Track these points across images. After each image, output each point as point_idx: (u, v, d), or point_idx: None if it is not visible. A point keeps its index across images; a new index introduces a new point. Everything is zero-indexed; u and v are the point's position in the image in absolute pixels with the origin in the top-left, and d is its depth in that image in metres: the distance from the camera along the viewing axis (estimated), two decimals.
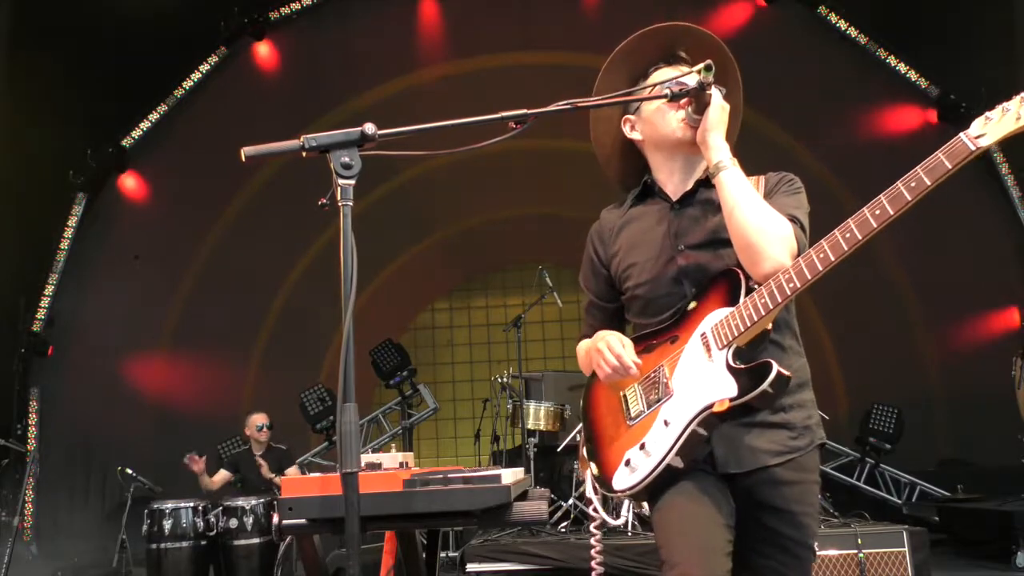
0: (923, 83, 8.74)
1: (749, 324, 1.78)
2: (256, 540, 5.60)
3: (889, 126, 8.83)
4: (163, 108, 8.96)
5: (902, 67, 8.76)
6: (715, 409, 1.79)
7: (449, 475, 1.91)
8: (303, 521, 1.88)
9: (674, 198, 2.03)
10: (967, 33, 7.85)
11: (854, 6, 8.69)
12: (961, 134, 1.65)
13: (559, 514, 6.22)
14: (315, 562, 2.52)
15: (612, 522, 1.89)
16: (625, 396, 1.97)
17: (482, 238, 10.79)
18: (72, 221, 8.74)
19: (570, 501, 6.25)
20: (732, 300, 1.85)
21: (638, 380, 1.94)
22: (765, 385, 1.73)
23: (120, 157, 8.89)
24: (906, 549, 5.13)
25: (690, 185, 2.03)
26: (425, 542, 3.06)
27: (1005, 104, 1.64)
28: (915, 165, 1.65)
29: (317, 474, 2.12)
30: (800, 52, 8.68)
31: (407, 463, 2.24)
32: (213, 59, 8.94)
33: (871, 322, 8.61)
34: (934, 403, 8.67)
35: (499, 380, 7.44)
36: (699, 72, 1.83)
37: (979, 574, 5.95)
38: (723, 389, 1.79)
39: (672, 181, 2.05)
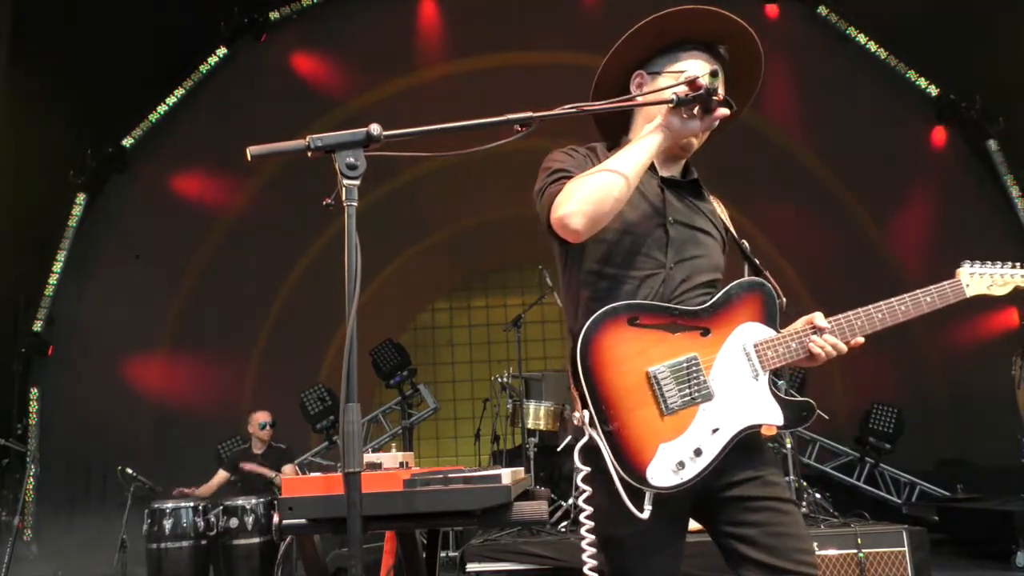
0: (923, 83, 8.74)
1: (794, 359, 1.94)
2: (256, 540, 5.60)
3: (889, 126, 8.83)
4: (163, 108, 8.96)
5: (902, 67, 8.77)
6: (763, 431, 1.89)
7: (449, 475, 1.91)
8: (303, 521, 1.88)
9: (660, 172, 2.05)
10: (967, 33, 7.85)
11: (854, 6, 8.69)
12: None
13: (559, 514, 6.22)
14: (315, 562, 2.52)
15: (639, 514, 1.74)
16: (656, 377, 1.83)
17: (482, 238, 10.79)
18: (72, 221, 8.75)
19: (570, 501, 6.25)
20: (767, 317, 1.95)
21: (664, 362, 1.84)
22: (807, 424, 1.94)
23: (120, 157, 8.90)
24: (906, 549, 5.13)
25: (675, 173, 2.08)
26: (425, 542, 3.06)
27: (990, 270, 2.13)
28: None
29: (317, 474, 2.12)
30: (800, 52, 8.69)
31: (407, 463, 2.24)
32: (213, 59, 8.94)
33: None
34: (934, 403, 8.67)
35: (499, 380, 7.44)
36: (706, 80, 1.82)
37: (979, 574, 5.95)
38: (770, 415, 1.90)
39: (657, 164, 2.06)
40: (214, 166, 8.38)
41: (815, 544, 1.98)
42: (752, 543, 1.84)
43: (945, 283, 2.12)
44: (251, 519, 5.61)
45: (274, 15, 8.87)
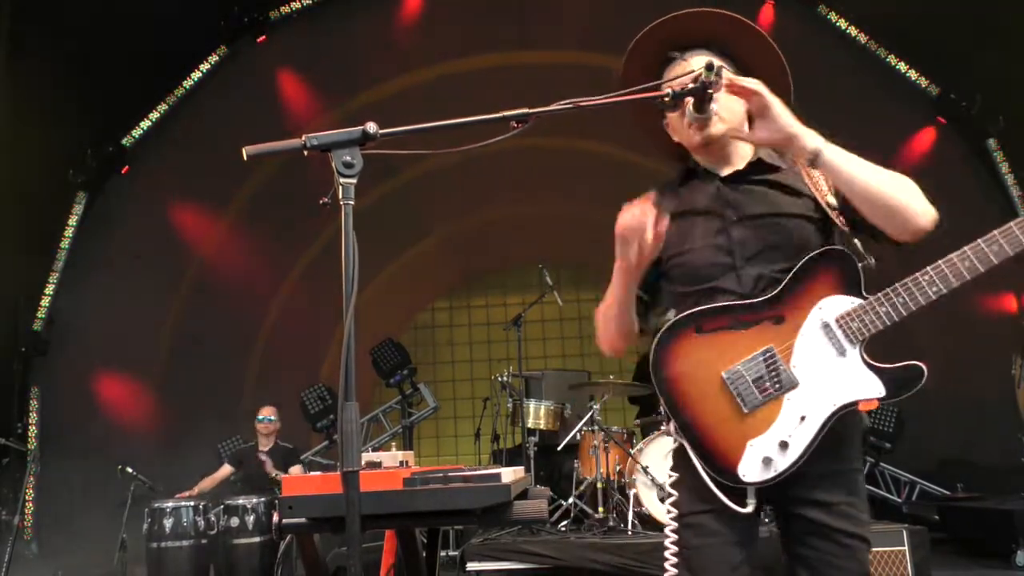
0: (923, 82, 8.74)
1: (888, 323, 1.79)
2: (257, 539, 5.60)
3: (888, 126, 8.83)
4: (163, 108, 8.96)
5: (902, 66, 8.76)
6: (861, 407, 1.80)
7: (449, 474, 1.91)
8: (303, 520, 1.89)
9: (721, 174, 1.99)
10: (967, 33, 7.84)
11: (853, 5, 8.69)
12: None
13: (559, 513, 6.23)
14: (315, 561, 2.52)
15: (741, 510, 1.77)
16: (731, 378, 1.83)
17: (482, 237, 10.80)
18: (72, 220, 8.74)
19: (570, 500, 6.25)
20: (848, 285, 1.84)
21: (738, 362, 1.83)
22: (916, 389, 1.79)
23: (120, 157, 8.89)
24: (906, 548, 5.13)
25: (738, 165, 1.99)
26: (425, 541, 3.07)
27: None
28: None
29: (318, 473, 2.13)
30: (799, 51, 8.67)
31: (407, 462, 2.24)
32: (213, 58, 8.94)
33: None
34: (934, 402, 8.66)
35: (499, 379, 7.44)
36: (703, 73, 1.78)
37: (979, 573, 5.95)
38: (868, 387, 1.79)
39: (712, 163, 2.02)
40: (214, 165, 8.37)
41: None
42: (806, 564, 1.86)
43: (1011, 224, 1.81)
44: (251, 518, 5.61)
45: (274, 14, 8.87)
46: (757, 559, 1.91)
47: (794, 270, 1.86)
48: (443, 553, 6.40)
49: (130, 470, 6.54)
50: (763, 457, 1.79)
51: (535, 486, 2.51)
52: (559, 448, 6.85)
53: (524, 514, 1.93)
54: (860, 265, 1.86)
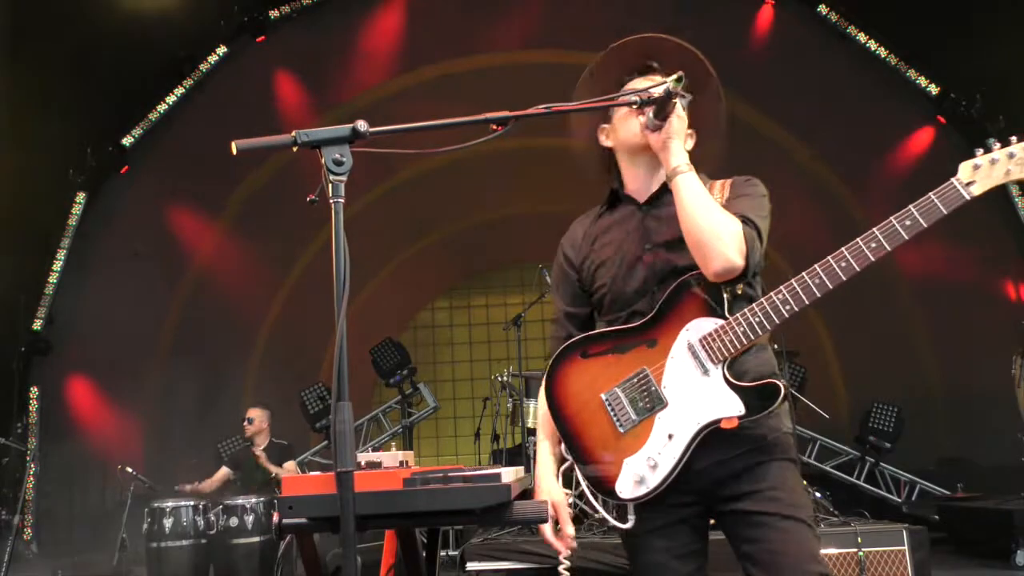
0: (923, 82, 8.74)
1: (745, 343, 1.85)
2: (256, 539, 5.60)
3: (889, 125, 8.83)
4: (163, 108, 8.97)
5: (902, 66, 8.76)
6: (723, 425, 1.84)
7: (449, 474, 1.91)
8: (303, 520, 1.89)
9: (641, 200, 2.09)
10: (967, 33, 7.85)
11: (854, 5, 8.69)
12: (953, 180, 1.83)
13: None
14: (315, 561, 2.52)
15: (622, 525, 1.85)
16: (609, 400, 1.94)
17: (482, 237, 10.80)
18: (72, 220, 8.75)
19: (570, 500, 6.25)
20: (712, 308, 1.90)
21: (616, 384, 1.94)
22: (775, 407, 1.84)
23: (120, 156, 8.90)
24: (906, 548, 5.13)
25: (654, 188, 2.08)
26: (425, 541, 3.07)
27: (992, 154, 1.79)
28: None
29: (317, 472, 2.13)
30: (800, 51, 8.68)
31: (407, 462, 2.24)
32: (213, 58, 8.94)
33: (871, 322, 8.61)
34: (934, 402, 8.67)
35: (499, 378, 7.44)
36: (670, 83, 1.86)
37: (979, 573, 5.95)
38: (728, 407, 1.85)
39: (637, 185, 2.11)
40: (214, 165, 8.37)
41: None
42: (752, 560, 1.87)
43: (930, 194, 1.84)
44: (251, 518, 5.61)
45: (274, 14, 8.87)
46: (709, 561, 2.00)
47: (666, 294, 1.94)
48: (443, 553, 6.40)
49: (130, 470, 6.54)
50: (636, 475, 1.88)
51: (535, 486, 2.51)
52: None
53: (524, 514, 1.93)
54: (728, 291, 1.91)
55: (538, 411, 2.13)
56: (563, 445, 2.01)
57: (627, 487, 1.90)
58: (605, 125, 2.14)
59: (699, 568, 1.98)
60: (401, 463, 2.20)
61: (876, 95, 8.82)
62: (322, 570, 3.26)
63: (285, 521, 1.87)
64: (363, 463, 2.18)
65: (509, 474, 2.00)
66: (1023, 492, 6.52)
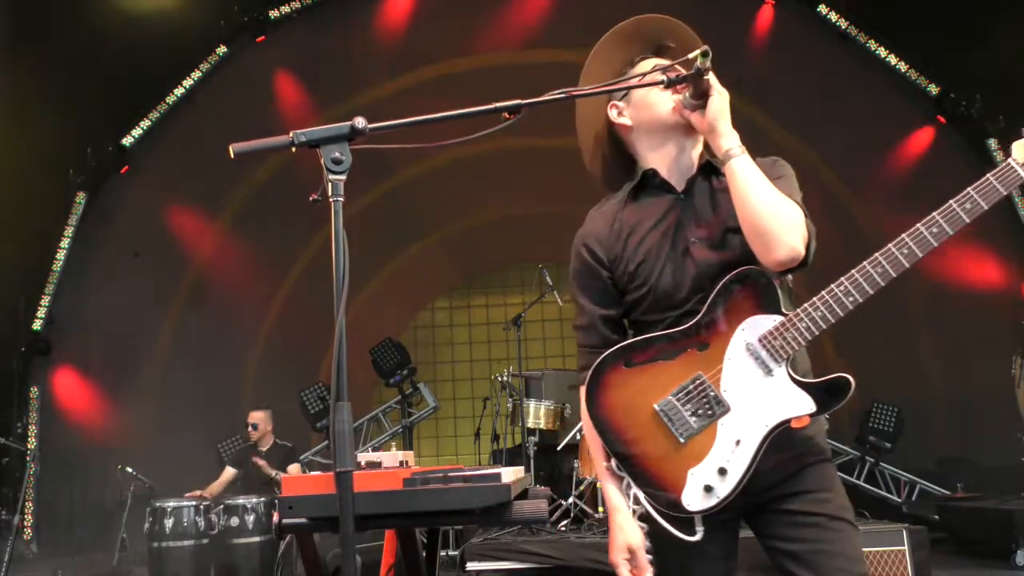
0: (923, 82, 8.74)
1: (809, 338, 1.78)
2: (257, 539, 5.60)
3: (889, 125, 8.83)
4: (163, 108, 8.97)
5: (902, 66, 8.76)
6: (793, 424, 1.79)
7: (449, 474, 1.91)
8: (303, 520, 1.89)
9: (678, 188, 1.96)
10: (967, 33, 7.84)
11: (854, 5, 8.69)
12: (1010, 160, 1.76)
13: (559, 513, 6.23)
14: (315, 561, 2.52)
15: (690, 538, 1.77)
16: (664, 410, 1.83)
17: (482, 237, 10.80)
18: (72, 220, 8.75)
19: (570, 500, 6.25)
20: (767, 304, 1.82)
21: (669, 392, 1.83)
22: (845, 401, 1.80)
23: (120, 156, 8.90)
24: (906, 548, 5.13)
25: (691, 172, 1.96)
26: (425, 540, 3.07)
27: None
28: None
29: (317, 472, 2.13)
30: (799, 51, 8.68)
31: (407, 462, 2.24)
32: (213, 58, 8.94)
33: (871, 322, 8.60)
34: (934, 402, 8.67)
35: (499, 379, 7.44)
36: (696, 58, 1.75)
37: (979, 573, 5.95)
38: (799, 405, 1.79)
39: (669, 169, 1.98)
40: (213, 164, 8.37)
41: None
42: (796, 559, 1.83)
43: (988, 176, 1.76)
44: (252, 518, 5.61)
45: (274, 14, 8.87)
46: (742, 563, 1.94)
47: (712, 294, 1.84)
48: (443, 553, 6.40)
49: (130, 470, 6.54)
50: (704, 485, 1.79)
51: (535, 486, 2.51)
52: (559, 448, 6.85)
53: (524, 514, 1.93)
54: (777, 282, 1.83)
55: (584, 432, 2.02)
56: (613, 461, 1.87)
57: (695, 498, 1.80)
58: (617, 102, 2.00)
59: (731, 570, 1.93)
60: (401, 463, 2.20)
61: (876, 95, 8.82)
62: (322, 570, 3.26)
63: (285, 521, 1.87)
64: (363, 463, 2.18)
65: (509, 474, 2.00)
66: (1023, 492, 6.52)
